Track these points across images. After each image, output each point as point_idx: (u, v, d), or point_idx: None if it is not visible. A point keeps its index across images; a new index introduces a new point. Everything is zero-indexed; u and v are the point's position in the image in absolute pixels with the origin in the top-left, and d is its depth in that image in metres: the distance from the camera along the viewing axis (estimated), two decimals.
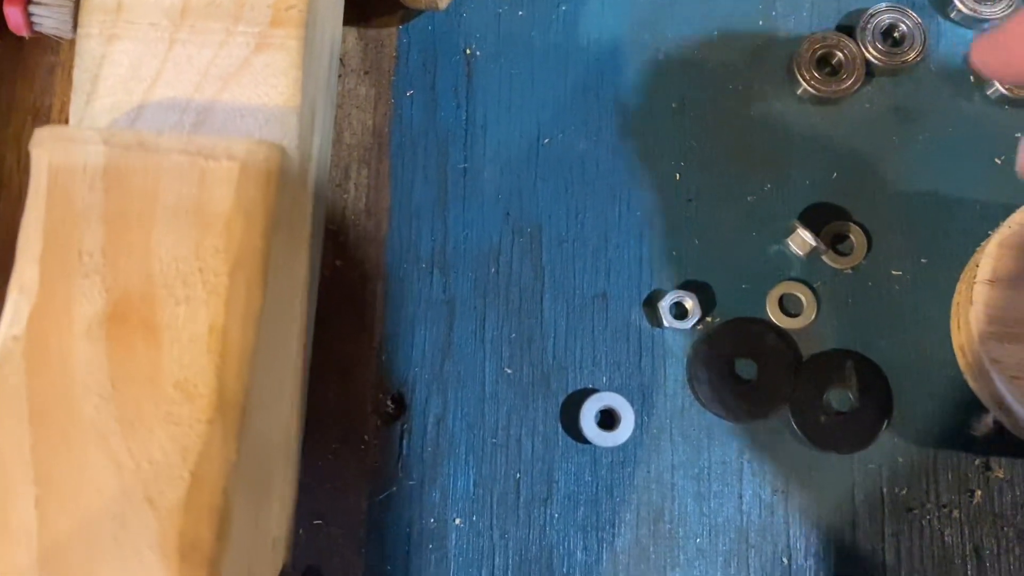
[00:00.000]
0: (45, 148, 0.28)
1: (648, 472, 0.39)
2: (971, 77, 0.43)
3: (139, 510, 0.25)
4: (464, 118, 0.43)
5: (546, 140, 0.43)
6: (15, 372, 0.26)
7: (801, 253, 0.40)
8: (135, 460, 0.26)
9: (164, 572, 0.25)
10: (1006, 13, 0.43)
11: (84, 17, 0.32)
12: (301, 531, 0.38)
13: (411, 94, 0.43)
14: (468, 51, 0.43)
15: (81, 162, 0.28)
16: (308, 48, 0.32)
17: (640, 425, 0.39)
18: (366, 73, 0.43)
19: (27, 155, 0.43)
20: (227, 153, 0.28)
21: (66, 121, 0.43)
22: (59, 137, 0.28)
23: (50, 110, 0.43)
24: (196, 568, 0.25)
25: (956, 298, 0.40)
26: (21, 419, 0.26)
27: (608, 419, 0.39)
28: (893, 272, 0.41)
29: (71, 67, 0.43)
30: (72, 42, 0.43)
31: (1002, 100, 0.42)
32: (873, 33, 0.42)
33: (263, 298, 0.28)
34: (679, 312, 0.40)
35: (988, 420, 0.38)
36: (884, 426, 0.40)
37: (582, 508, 0.39)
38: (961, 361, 0.39)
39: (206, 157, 0.28)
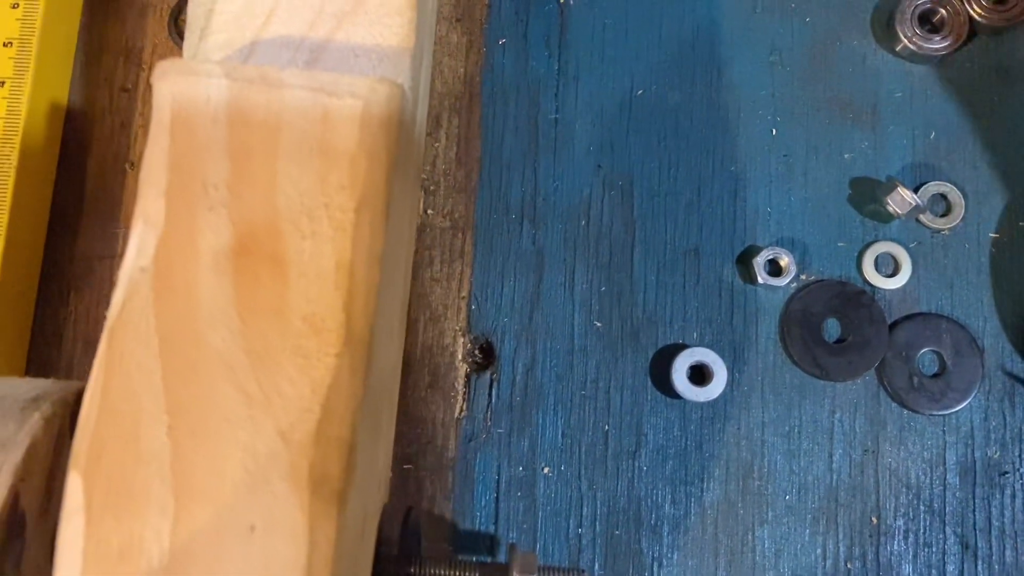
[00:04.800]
0: (167, 81, 0.28)
1: (738, 428, 0.39)
2: None
3: (270, 442, 0.25)
4: (556, 68, 0.42)
5: (639, 92, 0.42)
6: (144, 303, 0.26)
7: (900, 212, 0.39)
8: (264, 392, 0.26)
9: (296, 503, 0.25)
10: None
11: None
12: (391, 475, 0.38)
13: (503, 43, 0.42)
14: (562, 0, 0.43)
15: (204, 95, 0.28)
16: None
17: (731, 381, 0.39)
18: (458, 20, 0.43)
19: (119, 95, 0.43)
20: (350, 91, 0.28)
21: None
22: (181, 70, 0.28)
23: (141, 52, 0.42)
24: (326, 501, 0.25)
25: None
26: (151, 349, 0.26)
27: (699, 374, 0.39)
28: (990, 235, 0.40)
29: (163, 9, 0.43)
30: None
31: None
32: None
33: (385, 236, 0.28)
34: (773, 269, 0.40)
35: None
36: (976, 389, 0.39)
37: (671, 462, 0.39)
38: None
39: (328, 94, 0.28)
